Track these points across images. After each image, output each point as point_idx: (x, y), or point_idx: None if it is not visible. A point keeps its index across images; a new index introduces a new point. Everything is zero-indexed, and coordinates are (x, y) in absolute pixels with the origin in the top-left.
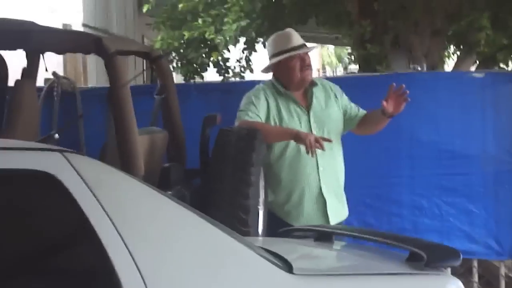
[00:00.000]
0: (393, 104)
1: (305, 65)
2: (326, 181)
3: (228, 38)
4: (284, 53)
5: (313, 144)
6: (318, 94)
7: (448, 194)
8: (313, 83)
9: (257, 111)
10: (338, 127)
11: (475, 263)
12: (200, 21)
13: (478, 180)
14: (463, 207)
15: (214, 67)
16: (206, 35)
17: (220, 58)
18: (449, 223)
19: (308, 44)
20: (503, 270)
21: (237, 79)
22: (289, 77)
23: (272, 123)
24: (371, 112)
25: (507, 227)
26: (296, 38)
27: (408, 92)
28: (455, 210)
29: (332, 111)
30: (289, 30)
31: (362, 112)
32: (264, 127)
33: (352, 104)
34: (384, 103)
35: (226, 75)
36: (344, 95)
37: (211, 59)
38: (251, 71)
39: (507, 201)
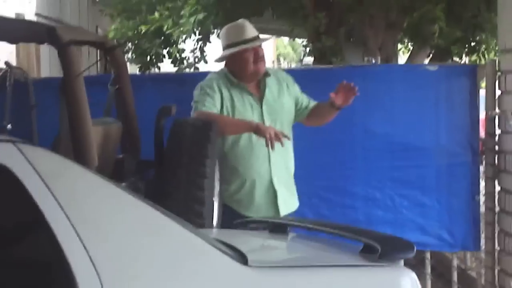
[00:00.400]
0: (342, 97)
1: (259, 57)
2: (277, 173)
3: (185, 32)
4: (238, 45)
5: (273, 138)
6: (271, 84)
7: (401, 186)
8: (266, 74)
9: (213, 101)
10: (290, 118)
11: (428, 255)
12: (156, 14)
13: (431, 172)
14: (416, 199)
15: (169, 58)
16: (164, 29)
17: (175, 52)
18: (403, 215)
19: (263, 36)
20: (455, 262)
21: (192, 70)
22: (243, 69)
23: (225, 113)
24: (320, 104)
25: (460, 219)
26: (250, 30)
27: (357, 88)
28: (408, 202)
29: (284, 101)
30: (243, 21)
31: (313, 103)
32: (222, 119)
33: (304, 95)
34: (332, 95)
35: (181, 66)
36: (296, 85)
37: (168, 50)
38: (205, 61)
39: (459, 193)
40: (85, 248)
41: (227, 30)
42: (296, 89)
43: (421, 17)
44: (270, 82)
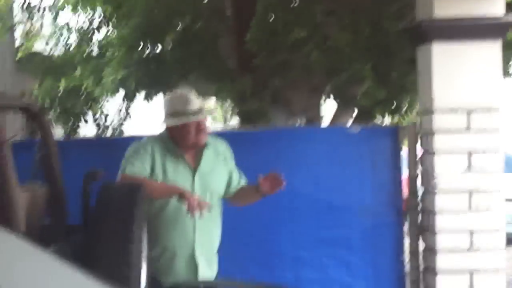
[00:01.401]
0: (269, 185)
1: (200, 129)
2: (200, 244)
3: (107, 90)
4: (182, 116)
5: (195, 206)
6: (208, 156)
7: (328, 246)
8: (205, 145)
9: (142, 164)
10: (221, 191)
11: None
12: (78, 71)
13: (357, 232)
14: (343, 259)
15: (94, 121)
16: (84, 87)
17: (99, 112)
18: (330, 274)
19: (206, 107)
20: None
21: (117, 132)
22: (183, 139)
23: (157, 178)
24: (246, 186)
25: (386, 277)
26: (194, 102)
27: (284, 182)
28: (335, 261)
29: (218, 173)
30: (187, 92)
31: (242, 182)
32: (148, 183)
33: (237, 173)
34: (261, 177)
35: (104, 131)
36: (232, 160)
37: (90, 111)
38: (130, 117)
39: (385, 252)
40: None
41: (172, 99)
42: (232, 164)
43: (349, 78)
44: (208, 153)
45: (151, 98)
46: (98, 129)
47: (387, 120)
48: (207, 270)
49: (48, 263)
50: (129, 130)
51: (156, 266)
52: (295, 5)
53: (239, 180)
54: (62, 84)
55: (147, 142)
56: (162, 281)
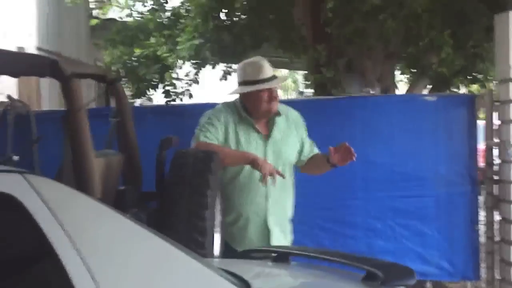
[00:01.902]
0: (340, 157)
1: (272, 97)
2: (273, 212)
3: (181, 57)
4: (255, 84)
5: (268, 173)
6: (280, 124)
7: (401, 216)
8: (277, 113)
9: (216, 132)
10: (292, 159)
11: (428, 284)
12: (152, 39)
13: (431, 202)
14: (416, 229)
15: (164, 87)
16: (158, 53)
17: (172, 78)
18: (403, 244)
19: (279, 75)
20: None
21: (185, 97)
22: (256, 107)
23: (230, 146)
24: (318, 155)
25: (460, 248)
26: (267, 69)
27: (355, 154)
28: (409, 232)
29: (290, 142)
30: (260, 59)
31: (314, 151)
32: (221, 150)
33: (309, 141)
34: (331, 149)
35: (173, 97)
36: (305, 128)
37: (164, 77)
38: (197, 83)
39: (459, 223)
40: (93, 279)
41: (245, 66)
42: (303, 132)
43: (426, 45)
44: (280, 121)
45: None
46: (168, 96)
47: (463, 89)
48: (281, 238)
49: (129, 228)
50: (198, 97)
51: (230, 233)
52: None
53: (311, 149)
54: (137, 51)
55: (221, 110)
56: (235, 248)
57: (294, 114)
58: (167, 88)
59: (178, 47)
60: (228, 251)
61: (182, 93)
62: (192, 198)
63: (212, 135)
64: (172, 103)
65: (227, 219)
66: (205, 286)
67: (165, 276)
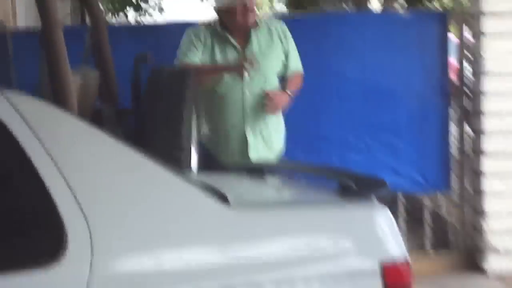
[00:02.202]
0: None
1: (247, 10)
2: (252, 124)
3: None
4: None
5: (244, 67)
6: (260, 36)
7: (374, 130)
8: (255, 25)
9: (197, 52)
10: (276, 69)
11: (401, 197)
12: None
13: (404, 115)
14: (388, 142)
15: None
16: None
17: None
18: (376, 158)
19: None
20: (427, 202)
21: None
22: (231, 22)
23: (206, 62)
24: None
25: (432, 162)
26: None
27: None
28: (381, 145)
29: (271, 52)
30: None
31: (294, 69)
32: (200, 68)
33: (294, 57)
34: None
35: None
36: (291, 40)
37: None
38: (161, 10)
39: (432, 136)
40: (71, 190)
41: None
42: (289, 44)
43: None
44: (260, 34)
45: None
46: (138, 10)
47: (436, 4)
48: (262, 149)
49: (105, 142)
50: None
51: (213, 146)
52: None
53: (296, 65)
54: None
55: (200, 30)
56: (219, 159)
57: (280, 27)
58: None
59: None
60: (213, 160)
61: (153, 8)
62: (168, 113)
63: (193, 54)
64: (148, 22)
65: (209, 132)
66: (181, 198)
67: (143, 189)
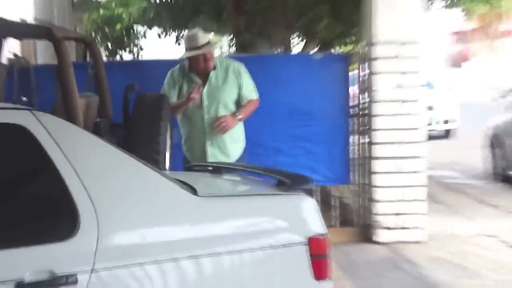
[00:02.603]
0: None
1: (207, 58)
2: (211, 139)
3: (133, 17)
4: (192, 50)
5: (191, 97)
6: (217, 75)
7: (298, 140)
8: (213, 68)
9: (173, 88)
10: (231, 98)
11: (316, 188)
12: (113, 3)
13: (318, 129)
14: (308, 150)
15: (131, 47)
16: (115, 13)
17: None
18: (299, 160)
19: (212, 40)
20: (334, 192)
21: (139, 52)
22: (196, 67)
23: (176, 96)
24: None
25: (337, 163)
26: (201, 38)
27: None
28: (303, 151)
29: (226, 87)
30: (197, 30)
31: (251, 97)
32: (173, 104)
33: (249, 89)
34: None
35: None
36: (245, 75)
37: (130, 36)
38: (141, 49)
39: (337, 145)
40: (83, 185)
41: (186, 37)
42: (242, 78)
43: (312, 16)
44: (217, 73)
45: (167, 34)
46: (132, 54)
47: (342, 49)
48: (220, 157)
49: (107, 148)
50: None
51: (186, 153)
52: None
53: (249, 94)
54: (100, 13)
55: (175, 71)
56: (191, 158)
57: (235, 66)
58: (133, 48)
59: (129, 8)
60: (187, 163)
61: (137, 47)
62: (149, 127)
63: (170, 89)
64: (134, 59)
65: (184, 144)
66: (160, 189)
67: (134, 183)
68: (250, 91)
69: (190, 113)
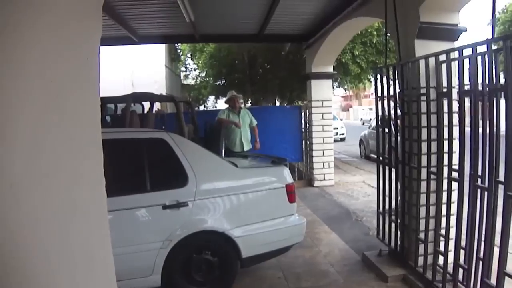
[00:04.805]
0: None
1: (238, 102)
2: (243, 138)
3: (205, 96)
4: (232, 96)
5: (238, 125)
6: (243, 112)
7: (280, 143)
8: (241, 108)
9: (224, 116)
10: (248, 125)
11: (288, 163)
12: (203, 90)
13: (290, 138)
14: (284, 147)
15: (204, 103)
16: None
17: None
18: (281, 152)
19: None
20: (294, 164)
21: (206, 106)
22: (233, 106)
23: (227, 118)
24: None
25: (296, 152)
26: (235, 93)
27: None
28: (282, 147)
29: (246, 119)
30: (232, 91)
31: (254, 125)
32: (225, 121)
33: (254, 121)
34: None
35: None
36: (251, 115)
37: (205, 100)
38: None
39: (297, 144)
40: (191, 165)
41: (229, 93)
42: (251, 116)
43: (283, 93)
44: (243, 111)
45: (218, 98)
46: (204, 107)
47: (298, 103)
48: (246, 146)
49: (204, 152)
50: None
51: (230, 146)
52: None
53: (254, 123)
54: (195, 93)
55: (224, 110)
56: (232, 149)
57: (248, 111)
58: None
59: (204, 90)
60: (231, 152)
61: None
62: (215, 137)
63: (222, 116)
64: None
65: (229, 141)
66: (223, 166)
67: (212, 164)
68: (254, 122)
69: (232, 128)
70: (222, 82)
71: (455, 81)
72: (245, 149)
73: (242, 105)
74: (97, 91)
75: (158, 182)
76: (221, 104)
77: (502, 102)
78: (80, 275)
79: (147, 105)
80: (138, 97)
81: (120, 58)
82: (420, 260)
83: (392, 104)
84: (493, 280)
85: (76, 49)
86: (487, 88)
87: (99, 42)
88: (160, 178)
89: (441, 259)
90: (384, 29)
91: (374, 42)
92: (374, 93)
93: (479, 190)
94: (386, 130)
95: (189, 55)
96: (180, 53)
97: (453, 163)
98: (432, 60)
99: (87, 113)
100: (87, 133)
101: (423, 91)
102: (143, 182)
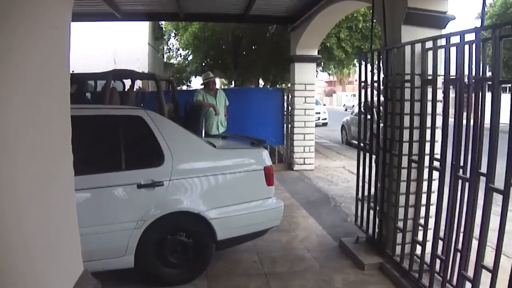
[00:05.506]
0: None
1: (214, 84)
2: (219, 121)
3: (188, 74)
4: (208, 79)
5: (215, 108)
6: (219, 94)
7: (261, 125)
8: (217, 90)
9: (201, 97)
10: (223, 105)
11: (268, 145)
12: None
13: (271, 120)
14: (265, 129)
15: (187, 82)
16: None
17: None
18: (261, 134)
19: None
20: (275, 147)
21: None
22: (209, 87)
23: (204, 100)
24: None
25: (278, 135)
26: (212, 74)
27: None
28: (262, 130)
29: (222, 99)
30: (209, 72)
31: (227, 104)
32: (202, 102)
33: (227, 101)
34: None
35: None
36: (226, 95)
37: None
38: (189, 83)
39: (278, 127)
40: (166, 143)
41: (205, 74)
42: (225, 97)
43: (266, 73)
44: (219, 93)
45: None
46: (187, 87)
47: (281, 86)
48: (222, 129)
49: (179, 129)
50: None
51: (208, 128)
52: (255, 47)
53: (227, 103)
54: (176, 71)
55: (200, 91)
56: (209, 132)
57: (223, 91)
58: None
59: (188, 68)
60: (208, 134)
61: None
62: (195, 118)
63: (199, 97)
64: (187, 88)
65: (207, 124)
66: (202, 146)
67: (189, 142)
68: (227, 102)
69: (210, 111)
70: (206, 62)
71: (441, 69)
72: (221, 131)
73: (219, 86)
74: (67, 62)
75: (133, 161)
76: (197, 83)
77: (488, 94)
78: (45, 252)
79: (128, 82)
80: (119, 74)
81: (103, 34)
82: (398, 249)
83: (375, 90)
84: (470, 272)
85: (45, 17)
86: (473, 80)
87: (70, 11)
88: (136, 156)
89: (418, 249)
90: (371, 15)
91: (360, 27)
92: (358, 79)
93: (460, 181)
94: (369, 116)
95: (172, 34)
96: (164, 32)
97: (435, 152)
98: (418, 47)
99: (55, 83)
100: (55, 104)
101: (407, 77)
102: (118, 160)
